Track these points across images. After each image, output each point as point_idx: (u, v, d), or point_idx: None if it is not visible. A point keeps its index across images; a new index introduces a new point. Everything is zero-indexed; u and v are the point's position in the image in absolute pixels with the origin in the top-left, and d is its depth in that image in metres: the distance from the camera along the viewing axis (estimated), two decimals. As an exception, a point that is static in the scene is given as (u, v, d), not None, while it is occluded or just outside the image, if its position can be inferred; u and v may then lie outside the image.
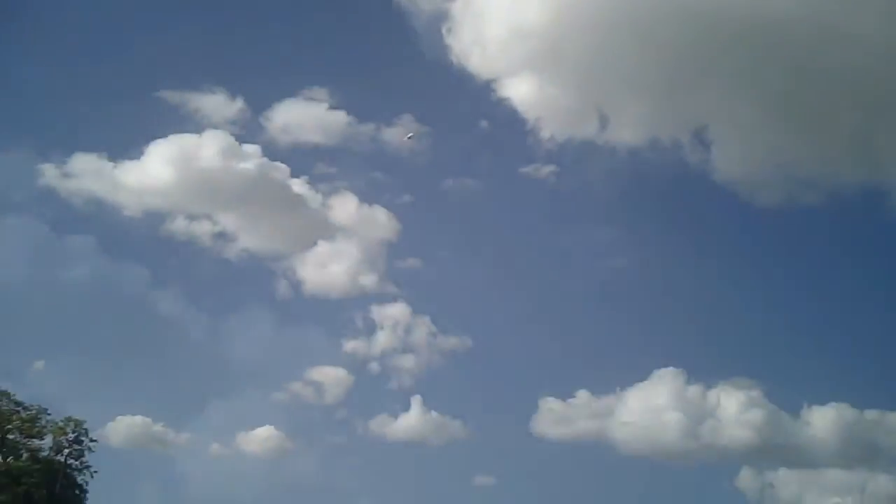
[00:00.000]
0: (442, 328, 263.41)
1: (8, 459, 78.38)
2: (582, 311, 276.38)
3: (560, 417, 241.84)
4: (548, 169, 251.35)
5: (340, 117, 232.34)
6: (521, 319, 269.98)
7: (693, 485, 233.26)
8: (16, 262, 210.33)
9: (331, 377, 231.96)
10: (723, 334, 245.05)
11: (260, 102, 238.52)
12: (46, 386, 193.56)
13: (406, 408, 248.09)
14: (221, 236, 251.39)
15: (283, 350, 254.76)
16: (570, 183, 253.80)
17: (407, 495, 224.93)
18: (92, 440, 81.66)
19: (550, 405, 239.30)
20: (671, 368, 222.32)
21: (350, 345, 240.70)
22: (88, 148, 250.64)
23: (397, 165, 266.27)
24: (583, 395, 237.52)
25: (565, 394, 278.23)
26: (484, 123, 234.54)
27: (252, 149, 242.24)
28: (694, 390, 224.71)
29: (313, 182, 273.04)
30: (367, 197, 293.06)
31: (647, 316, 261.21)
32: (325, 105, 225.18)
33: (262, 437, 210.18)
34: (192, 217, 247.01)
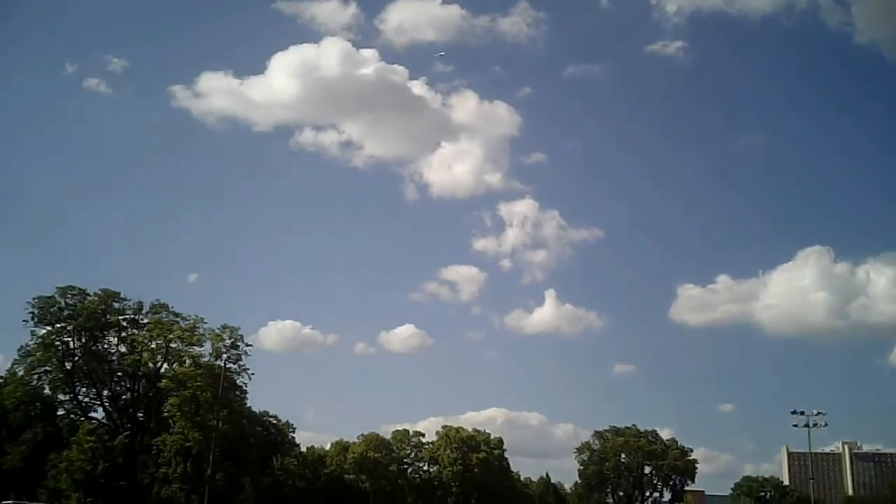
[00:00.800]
0: (572, 221, 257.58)
1: (173, 366, 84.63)
2: (718, 193, 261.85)
3: (699, 303, 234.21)
4: (676, 45, 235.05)
5: (454, 11, 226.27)
6: (653, 206, 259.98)
7: (843, 363, 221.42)
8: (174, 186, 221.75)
9: (464, 276, 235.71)
10: (871, 208, 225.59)
11: (372, 4, 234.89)
12: (201, 297, 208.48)
13: (540, 302, 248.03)
14: (348, 145, 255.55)
15: (415, 252, 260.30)
16: (700, 59, 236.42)
17: (548, 385, 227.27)
18: (247, 345, 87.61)
19: (689, 292, 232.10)
20: (817, 247, 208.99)
21: (480, 243, 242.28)
22: (214, 66, 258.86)
23: (516, 57, 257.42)
24: (723, 280, 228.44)
25: (704, 279, 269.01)
26: (604, 2, 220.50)
27: (369, 53, 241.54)
28: (841, 268, 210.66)
29: (432, 82, 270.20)
30: (486, 93, 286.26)
31: (788, 194, 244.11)
32: (438, 0, 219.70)
33: (403, 335, 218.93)
34: (318, 128, 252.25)
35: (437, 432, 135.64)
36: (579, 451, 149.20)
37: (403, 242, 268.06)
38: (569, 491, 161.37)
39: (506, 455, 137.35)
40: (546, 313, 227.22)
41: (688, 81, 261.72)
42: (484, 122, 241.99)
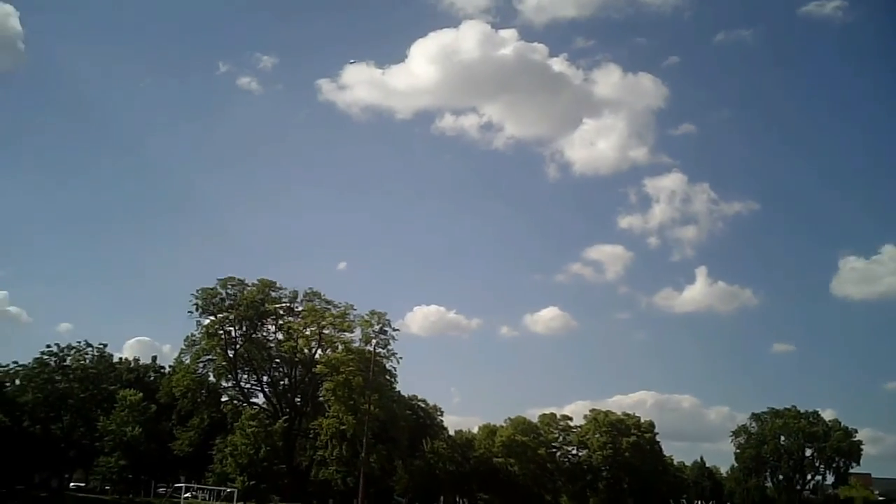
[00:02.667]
0: (724, 194, 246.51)
1: (327, 351, 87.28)
2: (880, 159, 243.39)
3: (863, 276, 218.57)
4: (833, 4, 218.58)
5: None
6: (810, 175, 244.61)
7: None
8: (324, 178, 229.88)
9: (609, 255, 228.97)
10: None
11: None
12: (350, 284, 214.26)
13: (691, 280, 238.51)
14: (488, 127, 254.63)
15: (558, 233, 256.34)
16: (860, 19, 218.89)
17: (701, 366, 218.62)
18: (395, 330, 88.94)
19: (851, 264, 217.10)
20: None
21: (625, 221, 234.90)
22: (357, 57, 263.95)
23: (660, 26, 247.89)
24: (889, 251, 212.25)
25: (868, 250, 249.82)
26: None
27: (508, 34, 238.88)
28: None
29: (573, 58, 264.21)
30: (630, 65, 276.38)
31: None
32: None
33: (547, 317, 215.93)
34: (458, 112, 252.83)
35: (585, 416, 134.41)
36: (735, 434, 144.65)
37: (546, 223, 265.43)
38: (724, 475, 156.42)
39: (657, 438, 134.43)
40: (697, 291, 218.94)
41: (846, 44, 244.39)
42: (628, 96, 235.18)
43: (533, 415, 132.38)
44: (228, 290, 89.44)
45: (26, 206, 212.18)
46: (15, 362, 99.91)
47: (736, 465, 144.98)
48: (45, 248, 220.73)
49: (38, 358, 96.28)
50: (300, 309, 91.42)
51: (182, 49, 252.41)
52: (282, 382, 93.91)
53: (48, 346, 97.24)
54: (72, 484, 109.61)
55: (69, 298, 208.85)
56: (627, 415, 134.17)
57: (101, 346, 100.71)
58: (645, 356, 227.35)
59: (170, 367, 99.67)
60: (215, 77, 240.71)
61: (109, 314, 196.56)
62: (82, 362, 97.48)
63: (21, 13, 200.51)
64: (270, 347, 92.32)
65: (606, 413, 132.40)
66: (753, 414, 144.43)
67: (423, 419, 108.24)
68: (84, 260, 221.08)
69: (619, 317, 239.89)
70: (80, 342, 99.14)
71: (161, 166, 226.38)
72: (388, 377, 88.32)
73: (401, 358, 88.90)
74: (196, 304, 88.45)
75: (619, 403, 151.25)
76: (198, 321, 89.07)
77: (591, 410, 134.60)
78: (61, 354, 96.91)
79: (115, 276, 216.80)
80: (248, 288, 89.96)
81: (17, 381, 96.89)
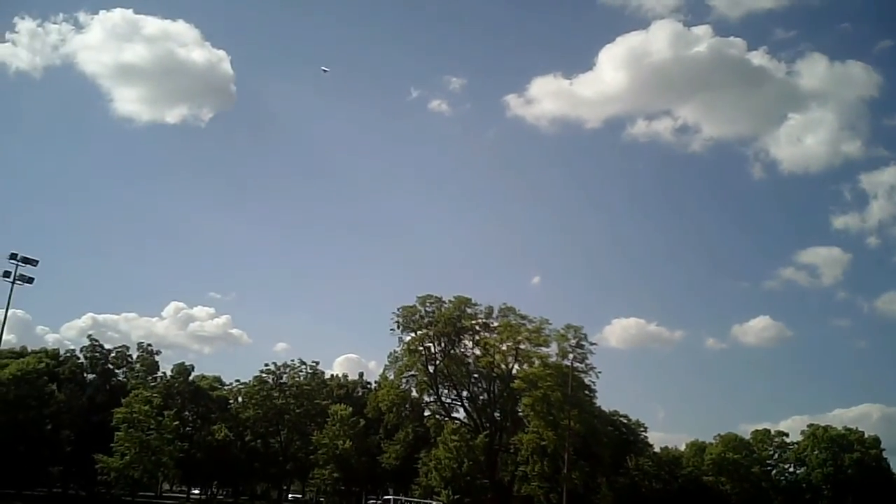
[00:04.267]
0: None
1: (524, 366, 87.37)
2: None
3: None
4: None
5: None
6: None
7: None
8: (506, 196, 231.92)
9: (824, 258, 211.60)
10: None
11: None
12: (545, 298, 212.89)
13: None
14: (683, 130, 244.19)
15: (767, 236, 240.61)
16: None
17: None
18: (592, 343, 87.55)
19: None
20: None
21: (840, 220, 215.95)
22: (544, 70, 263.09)
23: (868, 9, 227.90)
24: None
25: None
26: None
27: (702, 30, 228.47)
28: None
29: (773, 51, 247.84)
30: (837, 54, 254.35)
31: None
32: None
33: (758, 327, 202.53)
34: (650, 117, 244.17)
35: (803, 431, 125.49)
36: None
37: (753, 226, 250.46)
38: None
39: (884, 455, 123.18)
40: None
41: None
42: (836, 87, 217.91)
43: (745, 431, 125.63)
44: (427, 308, 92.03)
45: (245, 237, 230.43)
46: (237, 381, 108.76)
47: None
48: (263, 274, 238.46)
49: (257, 376, 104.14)
50: (496, 324, 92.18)
51: (376, 79, 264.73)
52: (481, 397, 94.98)
53: (266, 365, 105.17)
54: (290, 495, 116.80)
55: (285, 319, 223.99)
56: (850, 430, 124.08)
57: (314, 364, 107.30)
58: (868, 366, 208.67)
59: (376, 382, 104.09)
60: (407, 103, 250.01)
61: (321, 333, 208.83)
62: (297, 379, 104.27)
63: (232, 57, 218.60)
64: (468, 363, 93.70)
65: (826, 428, 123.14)
66: None
67: (626, 435, 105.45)
68: (296, 282, 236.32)
69: (839, 324, 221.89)
70: (294, 360, 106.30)
71: (361, 190, 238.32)
72: (586, 392, 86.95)
73: (599, 372, 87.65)
74: (397, 322, 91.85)
75: (840, 418, 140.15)
76: (400, 338, 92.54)
77: (808, 426, 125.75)
78: (278, 372, 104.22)
79: (325, 296, 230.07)
80: (446, 305, 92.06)
81: (240, 399, 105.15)
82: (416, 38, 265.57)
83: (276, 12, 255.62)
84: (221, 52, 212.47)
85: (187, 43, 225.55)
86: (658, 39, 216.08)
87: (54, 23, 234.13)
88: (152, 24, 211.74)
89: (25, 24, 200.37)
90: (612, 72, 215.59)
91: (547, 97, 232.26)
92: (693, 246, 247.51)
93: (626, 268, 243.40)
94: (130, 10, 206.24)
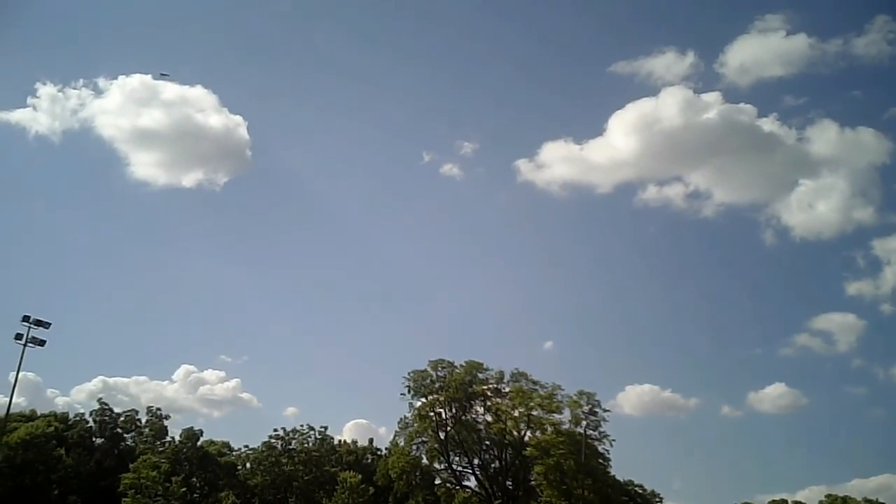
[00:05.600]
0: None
1: (536, 433, 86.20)
2: None
3: None
4: None
5: (800, 42, 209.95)
6: None
7: None
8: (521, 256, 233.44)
9: (839, 324, 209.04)
10: None
11: (711, 50, 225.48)
12: (557, 364, 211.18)
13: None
14: (695, 195, 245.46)
15: (780, 302, 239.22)
16: None
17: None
18: (605, 410, 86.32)
19: None
20: None
21: (854, 287, 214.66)
22: (555, 135, 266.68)
23: (878, 77, 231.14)
24: None
25: None
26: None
27: (712, 97, 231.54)
28: None
29: (784, 117, 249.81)
30: (848, 120, 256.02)
31: None
32: (782, 32, 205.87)
33: (773, 394, 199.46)
34: (661, 182, 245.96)
35: (821, 502, 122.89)
36: None
37: (766, 293, 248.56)
38: None
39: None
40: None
41: None
42: (848, 153, 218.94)
43: (762, 501, 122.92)
44: (438, 372, 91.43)
45: (257, 299, 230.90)
46: (246, 446, 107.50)
47: None
48: (274, 337, 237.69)
49: (266, 442, 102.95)
50: (507, 390, 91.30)
51: (389, 143, 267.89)
52: (492, 465, 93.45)
53: (275, 430, 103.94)
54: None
55: (295, 383, 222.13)
56: (869, 500, 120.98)
57: (322, 429, 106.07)
58: (886, 435, 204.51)
59: (386, 449, 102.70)
60: (420, 166, 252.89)
61: (331, 397, 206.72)
62: (306, 445, 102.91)
63: (248, 123, 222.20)
64: (480, 429, 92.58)
65: (845, 499, 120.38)
66: None
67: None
68: (307, 345, 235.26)
69: (855, 391, 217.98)
70: (303, 426, 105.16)
71: (373, 254, 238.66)
72: (600, 460, 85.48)
73: (613, 440, 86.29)
74: (408, 387, 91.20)
75: (859, 488, 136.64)
76: (410, 403, 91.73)
77: (826, 496, 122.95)
78: (287, 438, 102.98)
79: (335, 360, 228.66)
80: (457, 370, 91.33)
81: (248, 465, 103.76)
82: (428, 103, 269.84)
83: (292, 79, 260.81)
84: (238, 118, 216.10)
85: (205, 108, 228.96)
86: (668, 106, 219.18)
87: (74, 87, 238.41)
88: (171, 90, 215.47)
89: (46, 89, 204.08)
90: (622, 137, 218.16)
91: (557, 162, 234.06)
92: (706, 312, 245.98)
93: (640, 333, 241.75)
94: (149, 76, 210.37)
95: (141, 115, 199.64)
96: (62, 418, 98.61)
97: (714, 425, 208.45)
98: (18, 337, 68.00)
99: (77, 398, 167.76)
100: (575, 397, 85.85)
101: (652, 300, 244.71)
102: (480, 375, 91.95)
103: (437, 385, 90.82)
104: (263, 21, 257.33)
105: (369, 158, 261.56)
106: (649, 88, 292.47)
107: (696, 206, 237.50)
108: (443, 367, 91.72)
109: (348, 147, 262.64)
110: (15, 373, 68.92)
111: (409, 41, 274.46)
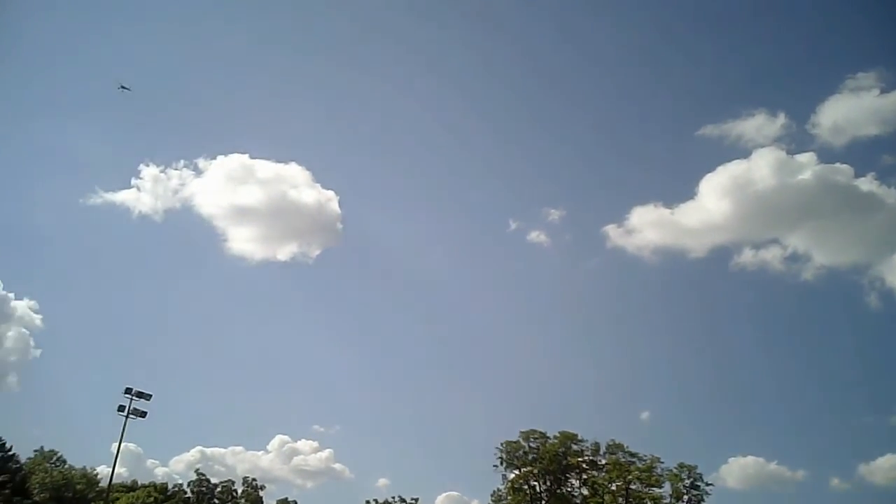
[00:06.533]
0: None
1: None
2: None
3: None
4: None
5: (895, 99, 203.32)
6: None
7: None
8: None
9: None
10: None
11: (802, 111, 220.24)
12: (655, 435, 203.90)
13: None
14: (794, 258, 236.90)
15: (889, 367, 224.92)
16: None
17: None
18: (708, 484, 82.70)
19: None
20: None
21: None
22: (644, 200, 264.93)
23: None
24: None
25: None
26: None
27: (806, 157, 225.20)
28: None
29: (882, 177, 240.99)
30: None
31: None
32: (876, 90, 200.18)
33: (886, 465, 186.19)
34: (757, 245, 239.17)
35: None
36: None
37: (873, 357, 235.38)
38: None
39: None
40: None
41: None
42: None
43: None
44: (531, 443, 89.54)
45: (349, 370, 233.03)
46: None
47: None
48: (366, 407, 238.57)
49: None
50: (603, 462, 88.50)
51: (475, 212, 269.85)
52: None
53: (367, 502, 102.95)
54: None
55: (386, 453, 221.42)
56: None
57: (413, 501, 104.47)
58: None
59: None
60: (506, 235, 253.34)
61: (422, 468, 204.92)
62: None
63: (340, 197, 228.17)
64: (576, 503, 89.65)
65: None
66: None
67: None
68: (398, 415, 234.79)
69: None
70: (395, 497, 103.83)
71: (463, 324, 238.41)
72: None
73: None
74: (500, 458, 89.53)
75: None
76: (503, 475, 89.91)
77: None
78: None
79: (426, 430, 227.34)
80: (550, 440, 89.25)
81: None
82: (514, 170, 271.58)
83: (381, 153, 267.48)
84: (330, 192, 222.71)
85: (298, 184, 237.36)
86: (761, 167, 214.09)
87: (175, 168, 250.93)
88: (266, 168, 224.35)
89: (149, 171, 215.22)
90: (715, 201, 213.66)
91: (648, 227, 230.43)
92: (812, 379, 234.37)
93: (742, 402, 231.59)
94: (246, 155, 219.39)
95: (238, 192, 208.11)
96: (161, 489, 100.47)
97: (823, 498, 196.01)
98: (121, 408, 70.26)
99: (176, 468, 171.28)
100: (675, 470, 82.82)
101: (753, 367, 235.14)
102: (575, 447, 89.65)
103: (530, 456, 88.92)
104: (352, 100, 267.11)
105: (456, 228, 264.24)
106: (740, 150, 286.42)
107: (796, 270, 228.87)
108: (535, 438, 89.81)
109: (435, 217, 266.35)
110: (118, 443, 71.14)
111: (493, 109, 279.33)
